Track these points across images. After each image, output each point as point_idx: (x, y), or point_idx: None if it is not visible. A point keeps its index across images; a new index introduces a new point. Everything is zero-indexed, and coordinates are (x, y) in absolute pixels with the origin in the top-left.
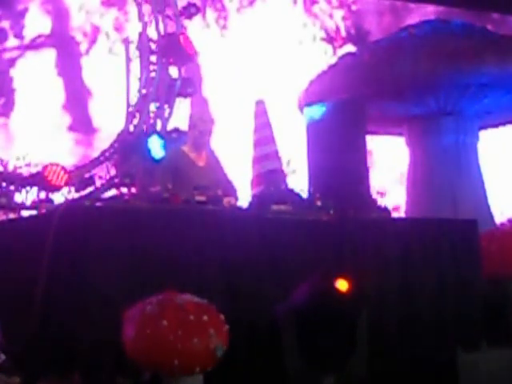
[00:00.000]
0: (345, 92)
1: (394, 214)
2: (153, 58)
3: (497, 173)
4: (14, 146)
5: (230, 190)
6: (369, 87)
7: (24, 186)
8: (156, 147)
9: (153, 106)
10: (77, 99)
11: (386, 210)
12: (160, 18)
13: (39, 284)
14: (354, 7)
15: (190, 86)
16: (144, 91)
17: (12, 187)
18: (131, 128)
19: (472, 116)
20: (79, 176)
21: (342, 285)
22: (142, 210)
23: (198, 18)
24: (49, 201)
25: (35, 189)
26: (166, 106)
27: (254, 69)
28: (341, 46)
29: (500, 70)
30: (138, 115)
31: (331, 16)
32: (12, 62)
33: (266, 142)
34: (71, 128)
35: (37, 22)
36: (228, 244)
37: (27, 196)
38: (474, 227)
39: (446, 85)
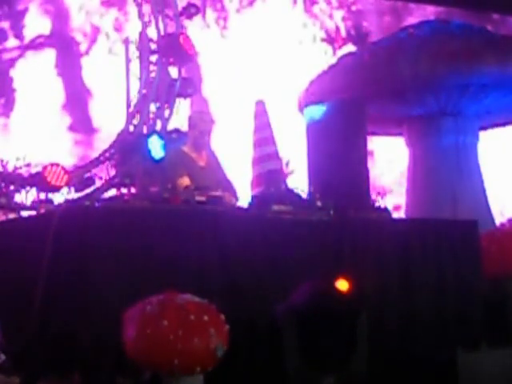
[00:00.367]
0: (345, 92)
1: (394, 215)
2: (153, 58)
3: (497, 173)
4: (13, 147)
5: (230, 190)
6: (369, 87)
7: (24, 187)
8: (156, 147)
9: (153, 107)
10: (77, 99)
11: (386, 210)
12: (160, 18)
13: (39, 284)
14: (353, 7)
15: (190, 86)
16: (144, 91)
17: (12, 187)
18: (131, 128)
19: (472, 116)
20: (79, 176)
21: (342, 285)
22: (142, 210)
23: (197, 18)
24: (49, 201)
25: (35, 189)
26: (166, 106)
27: (253, 69)
28: (341, 47)
29: (500, 70)
30: (138, 115)
31: (331, 16)
32: (12, 62)
33: (266, 142)
34: (71, 128)
35: (37, 22)
36: (228, 244)
37: (27, 196)
38: (474, 227)
39: (446, 85)
